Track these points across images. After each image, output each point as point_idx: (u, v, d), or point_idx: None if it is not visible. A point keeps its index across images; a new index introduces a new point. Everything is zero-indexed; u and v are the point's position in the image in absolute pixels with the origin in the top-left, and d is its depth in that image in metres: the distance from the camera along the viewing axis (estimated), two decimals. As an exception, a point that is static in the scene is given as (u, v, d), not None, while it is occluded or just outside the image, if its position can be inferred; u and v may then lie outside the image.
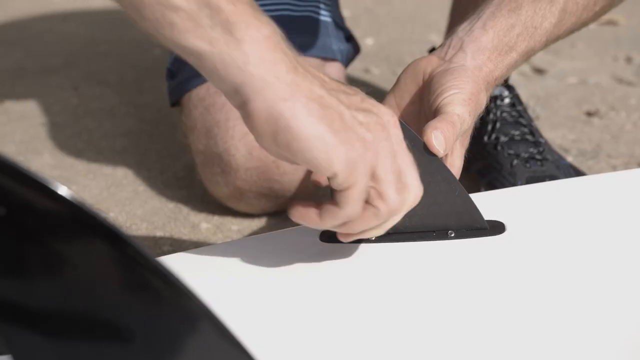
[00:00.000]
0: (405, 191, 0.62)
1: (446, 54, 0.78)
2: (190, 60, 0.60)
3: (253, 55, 0.58)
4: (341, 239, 0.65)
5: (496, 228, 0.71)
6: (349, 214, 0.61)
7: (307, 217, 0.63)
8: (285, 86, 0.58)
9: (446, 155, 0.73)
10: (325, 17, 1.12)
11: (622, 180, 0.82)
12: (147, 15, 0.58)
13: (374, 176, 0.61)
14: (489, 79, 0.77)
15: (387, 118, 0.62)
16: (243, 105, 0.59)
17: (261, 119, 0.59)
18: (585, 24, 0.85)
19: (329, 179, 0.61)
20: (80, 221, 0.42)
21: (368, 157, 0.60)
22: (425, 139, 0.69)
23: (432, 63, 0.77)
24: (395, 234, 0.69)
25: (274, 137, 0.59)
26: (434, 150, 0.69)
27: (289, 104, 0.58)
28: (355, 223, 0.62)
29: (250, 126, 0.60)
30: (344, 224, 0.62)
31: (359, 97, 0.63)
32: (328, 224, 0.63)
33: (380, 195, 0.61)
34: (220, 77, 0.59)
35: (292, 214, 0.63)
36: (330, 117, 0.59)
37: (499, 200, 0.75)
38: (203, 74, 0.61)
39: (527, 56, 0.80)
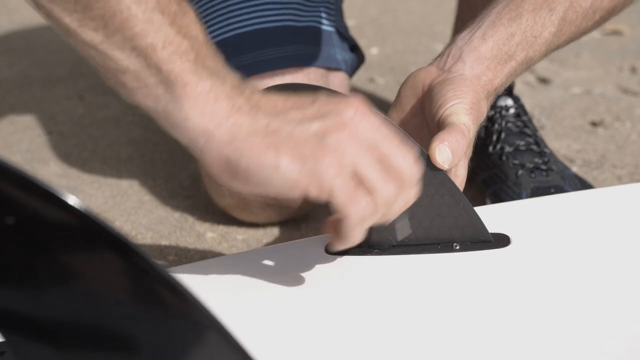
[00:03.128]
0: (395, 175, 0.62)
1: (445, 63, 0.78)
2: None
3: (191, 111, 0.61)
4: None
5: (501, 241, 0.71)
6: (354, 217, 0.61)
7: (337, 243, 0.63)
8: (226, 131, 0.60)
9: (450, 166, 0.73)
10: (328, 27, 1.12)
11: (628, 193, 0.81)
12: (104, 76, 0.63)
13: (356, 174, 0.61)
14: (488, 88, 0.77)
15: (350, 113, 0.62)
16: (201, 159, 0.62)
17: (214, 167, 0.61)
18: (584, 32, 0.85)
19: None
20: (89, 231, 0.42)
21: (329, 161, 0.60)
22: (430, 153, 0.69)
23: (431, 74, 0.77)
24: (400, 247, 0.69)
25: (233, 179, 0.61)
26: (438, 165, 0.69)
27: (232, 146, 0.60)
28: (366, 220, 0.62)
29: (212, 174, 0.62)
30: (360, 223, 0.62)
31: (315, 106, 0.62)
32: (353, 236, 0.62)
33: (370, 190, 0.61)
34: (173, 134, 0.63)
35: (329, 246, 0.66)
36: (276, 143, 0.60)
37: (504, 213, 0.75)
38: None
39: (527, 65, 0.80)
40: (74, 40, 0.62)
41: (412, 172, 0.63)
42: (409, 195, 0.63)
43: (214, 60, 0.63)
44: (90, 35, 0.60)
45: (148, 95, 0.61)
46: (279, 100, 0.62)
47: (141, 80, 0.61)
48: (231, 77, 0.63)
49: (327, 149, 0.60)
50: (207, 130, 0.60)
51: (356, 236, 0.62)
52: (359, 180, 0.61)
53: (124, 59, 0.60)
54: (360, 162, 0.61)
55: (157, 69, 0.60)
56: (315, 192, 0.60)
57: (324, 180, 0.60)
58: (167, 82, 0.60)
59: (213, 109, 0.60)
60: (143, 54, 0.60)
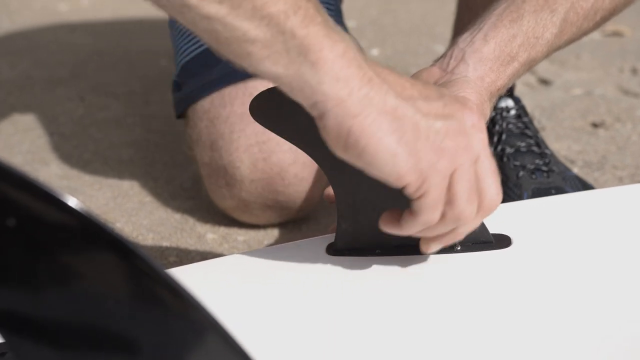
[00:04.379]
0: (480, 198, 0.63)
1: (448, 65, 0.78)
2: (269, 81, 0.62)
3: (326, 75, 0.60)
4: (423, 249, 0.66)
5: (502, 242, 0.71)
6: (424, 221, 0.62)
7: (389, 226, 0.65)
8: (356, 103, 0.60)
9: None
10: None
11: (628, 194, 0.82)
12: (224, 49, 0.61)
13: (449, 183, 0.62)
14: (491, 89, 0.77)
15: (470, 121, 0.63)
16: (318, 119, 0.61)
17: (332, 134, 0.61)
18: (585, 33, 0.85)
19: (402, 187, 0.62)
20: (89, 232, 0.42)
21: (441, 166, 0.61)
22: None
23: (433, 75, 0.77)
24: (401, 247, 0.69)
25: (345, 150, 0.61)
26: None
27: (358, 119, 0.60)
28: (430, 229, 0.64)
29: (325, 138, 0.62)
30: (423, 230, 0.64)
31: (441, 103, 0.63)
32: (408, 231, 0.64)
33: (450, 201, 0.62)
34: (296, 96, 0.61)
35: (380, 223, 0.65)
36: (402, 129, 0.60)
37: (505, 213, 0.75)
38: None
39: (529, 66, 0.80)
40: (191, 15, 0.60)
41: (494, 201, 0.64)
42: (477, 222, 0.65)
43: (335, 23, 0.62)
44: (215, 8, 0.59)
45: (278, 62, 0.60)
46: (406, 82, 0.63)
47: (271, 47, 0.60)
48: (354, 41, 0.62)
49: (443, 153, 0.61)
50: (339, 96, 0.60)
51: (411, 232, 0.64)
52: (448, 186, 0.62)
53: (253, 29, 0.59)
54: (460, 172, 0.62)
55: (291, 35, 0.59)
56: (412, 189, 0.61)
57: (428, 183, 0.61)
58: (302, 47, 0.59)
59: (346, 76, 0.60)
60: (274, 21, 0.59)
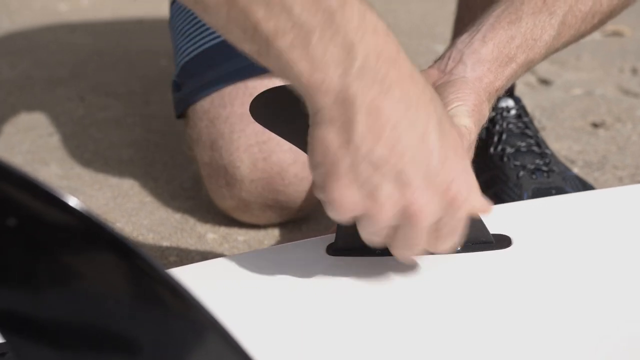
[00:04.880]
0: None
1: (446, 66, 0.78)
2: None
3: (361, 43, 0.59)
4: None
5: (502, 242, 0.71)
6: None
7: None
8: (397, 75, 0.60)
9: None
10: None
11: (629, 194, 0.82)
12: (245, 22, 0.60)
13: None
14: (490, 89, 0.77)
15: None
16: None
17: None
18: (583, 35, 0.85)
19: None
20: (89, 232, 0.42)
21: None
22: None
23: (432, 76, 0.77)
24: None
25: (375, 135, 0.60)
26: None
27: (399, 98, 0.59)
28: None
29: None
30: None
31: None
32: (365, 233, 0.63)
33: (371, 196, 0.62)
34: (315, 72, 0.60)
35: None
36: (429, 121, 0.61)
37: (505, 214, 0.75)
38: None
39: (527, 67, 0.80)
40: None
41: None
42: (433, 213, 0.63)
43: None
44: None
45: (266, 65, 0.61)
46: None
47: (261, 58, 0.60)
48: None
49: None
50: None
51: (367, 237, 0.64)
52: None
53: (245, 40, 0.60)
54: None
55: (277, 54, 0.59)
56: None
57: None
58: (287, 64, 0.59)
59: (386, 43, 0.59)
60: (264, 37, 0.59)
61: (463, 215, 0.63)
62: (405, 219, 0.61)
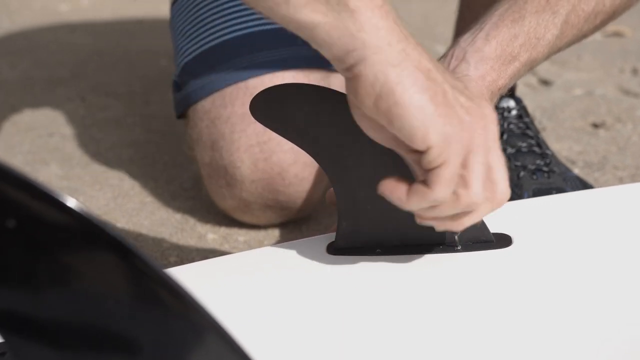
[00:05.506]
0: (492, 188, 0.62)
1: (449, 64, 0.78)
2: (302, 33, 0.62)
3: (366, 22, 0.60)
4: (419, 220, 0.64)
5: (503, 241, 0.71)
6: (438, 196, 0.61)
7: (394, 192, 0.63)
8: (396, 53, 0.60)
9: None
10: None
11: (629, 193, 0.82)
12: None
13: (464, 162, 0.61)
14: (492, 88, 0.77)
15: (488, 111, 0.63)
16: (350, 69, 0.61)
17: (367, 81, 0.60)
18: (585, 36, 0.85)
19: (422, 155, 0.61)
20: (89, 233, 0.42)
21: (464, 137, 0.61)
22: None
23: None
24: (402, 247, 0.69)
25: (376, 102, 0.60)
26: None
27: (397, 70, 0.60)
28: (436, 209, 0.62)
29: (354, 89, 0.61)
30: (429, 207, 0.62)
31: (462, 84, 0.64)
32: (414, 205, 0.62)
33: (465, 183, 0.61)
34: (331, 45, 0.61)
35: (381, 187, 0.63)
36: (433, 90, 0.61)
37: (506, 213, 0.75)
38: (313, 45, 0.63)
39: (529, 67, 0.80)
40: None
41: (505, 194, 0.63)
42: (484, 213, 0.64)
43: None
44: None
45: (317, 9, 0.60)
46: (430, 57, 0.63)
47: None
48: (391, 5, 0.63)
49: (467, 127, 0.61)
50: (378, 45, 0.60)
51: (415, 208, 0.63)
52: (464, 165, 0.61)
53: None
54: (476, 155, 0.61)
55: None
56: (434, 154, 0.60)
57: (450, 150, 0.60)
58: None
59: (386, 26, 0.60)
60: None
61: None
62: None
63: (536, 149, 1.11)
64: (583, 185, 1.11)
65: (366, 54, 0.60)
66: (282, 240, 1.08)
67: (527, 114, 1.16)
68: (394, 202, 0.63)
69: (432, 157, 0.61)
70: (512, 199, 1.05)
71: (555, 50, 0.82)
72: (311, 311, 0.65)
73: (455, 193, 0.61)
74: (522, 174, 1.08)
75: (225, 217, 1.11)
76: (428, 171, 0.61)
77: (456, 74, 0.76)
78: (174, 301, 0.43)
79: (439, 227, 0.64)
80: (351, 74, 0.61)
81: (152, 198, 1.18)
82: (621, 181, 1.20)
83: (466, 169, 0.61)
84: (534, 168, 1.08)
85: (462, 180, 0.61)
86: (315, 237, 0.73)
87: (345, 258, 0.70)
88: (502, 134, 1.12)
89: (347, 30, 0.60)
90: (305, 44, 1.13)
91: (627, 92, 1.50)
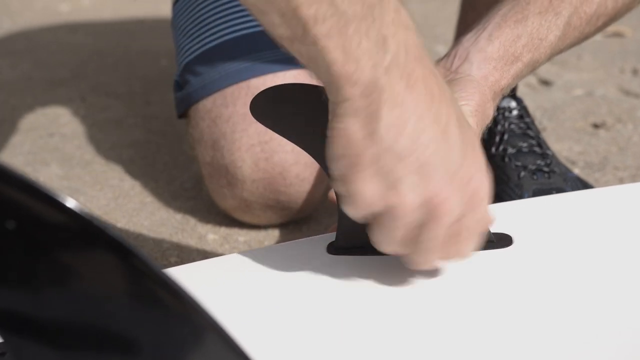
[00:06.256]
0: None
1: (452, 64, 0.78)
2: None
3: (346, 77, 0.59)
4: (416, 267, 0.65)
5: (503, 241, 0.71)
6: (351, 215, 0.63)
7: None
8: (361, 113, 0.59)
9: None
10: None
11: (630, 192, 0.81)
12: (262, 21, 0.60)
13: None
14: (495, 88, 0.77)
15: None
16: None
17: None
18: (587, 37, 0.85)
19: None
20: (88, 233, 0.42)
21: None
22: None
23: None
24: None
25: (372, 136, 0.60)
26: None
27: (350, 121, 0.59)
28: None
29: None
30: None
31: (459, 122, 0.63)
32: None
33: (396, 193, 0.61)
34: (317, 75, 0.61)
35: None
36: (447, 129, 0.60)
37: (506, 212, 0.75)
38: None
39: (532, 67, 0.80)
40: None
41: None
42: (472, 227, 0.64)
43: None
44: None
45: (300, 56, 0.60)
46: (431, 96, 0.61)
47: (293, 47, 0.60)
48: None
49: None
50: (348, 99, 0.59)
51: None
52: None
53: (281, 25, 0.58)
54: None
55: (313, 41, 0.58)
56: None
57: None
58: (321, 53, 0.58)
59: (368, 82, 0.58)
60: (302, 23, 0.57)
61: (483, 215, 0.63)
62: (427, 213, 0.60)
63: (537, 149, 1.11)
64: (583, 185, 1.11)
65: (337, 100, 0.59)
66: (282, 241, 1.08)
67: (528, 114, 1.16)
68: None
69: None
70: (512, 199, 1.05)
71: (557, 51, 0.82)
72: (311, 311, 0.65)
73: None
74: (522, 174, 1.08)
75: (226, 217, 1.11)
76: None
77: (458, 74, 0.76)
78: (173, 301, 0.43)
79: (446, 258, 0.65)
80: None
81: (152, 198, 1.18)
82: (622, 181, 1.20)
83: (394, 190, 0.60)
84: (535, 168, 1.08)
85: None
86: (316, 236, 0.73)
87: (346, 258, 0.69)
88: (502, 134, 1.12)
89: (319, 75, 0.60)
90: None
91: (627, 93, 1.50)
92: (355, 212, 0.61)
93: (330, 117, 0.60)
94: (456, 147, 0.60)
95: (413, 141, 0.59)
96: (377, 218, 0.61)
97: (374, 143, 0.59)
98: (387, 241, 0.63)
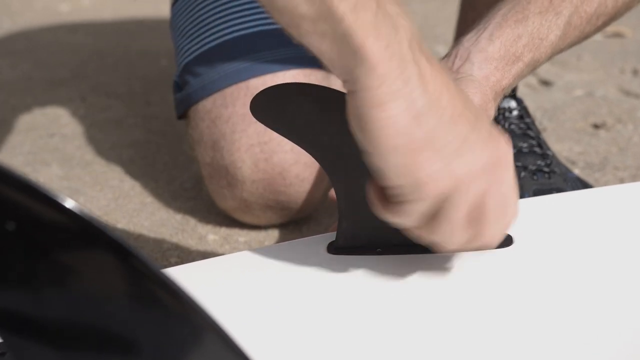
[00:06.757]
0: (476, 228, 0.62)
1: (453, 64, 0.78)
2: (314, 52, 0.61)
3: (364, 62, 0.57)
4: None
5: (503, 240, 0.71)
6: (401, 224, 0.63)
7: (372, 202, 0.63)
8: (383, 94, 0.58)
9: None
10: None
11: (630, 192, 0.81)
12: (278, 16, 0.59)
13: (446, 202, 0.62)
14: (496, 88, 0.77)
15: (502, 146, 0.63)
16: (347, 94, 0.60)
17: (352, 114, 0.59)
18: (587, 37, 0.86)
19: None
20: (87, 233, 0.42)
21: (442, 185, 0.61)
22: None
23: None
24: (402, 246, 0.69)
25: (359, 132, 0.60)
26: None
27: (377, 110, 0.58)
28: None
29: (347, 113, 0.60)
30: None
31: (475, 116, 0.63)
32: (388, 219, 0.63)
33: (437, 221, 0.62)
34: (334, 71, 0.60)
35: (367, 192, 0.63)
36: (413, 135, 0.59)
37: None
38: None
39: (532, 67, 0.80)
40: None
41: (493, 237, 0.63)
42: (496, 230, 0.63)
43: (393, 9, 0.60)
44: None
45: (323, 39, 0.58)
46: (452, 97, 0.61)
47: (319, 26, 0.58)
48: (409, 33, 0.60)
49: (447, 173, 0.60)
50: (367, 84, 0.57)
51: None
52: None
53: (303, 4, 0.57)
54: (461, 196, 0.60)
55: (340, 19, 0.57)
56: (397, 193, 0.60)
57: (419, 191, 0.59)
58: (348, 32, 0.57)
59: (384, 69, 0.57)
60: (327, 2, 0.57)
61: (511, 180, 0.62)
62: (488, 177, 0.60)
63: (537, 149, 1.11)
64: (583, 185, 1.11)
65: (355, 88, 0.58)
66: (282, 241, 1.08)
67: (528, 115, 1.16)
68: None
69: (396, 194, 0.60)
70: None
71: (557, 51, 0.82)
72: (311, 311, 0.65)
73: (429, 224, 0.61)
74: (522, 174, 1.08)
75: (226, 217, 1.11)
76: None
77: (460, 74, 0.76)
78: (173, 302, 0.43)
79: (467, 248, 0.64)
80: (347, 98, 0.60)
81: (152, 199, 1.18)
82: (622, 182, 1.20)
83: (444, 211, 0.60)
84: (535, 169, 1.08)
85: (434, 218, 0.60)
86: (316, 236, 0.73)
87: (346, 258, 0.69)
88: (502, 134, 1.12)
89: (346, 65, 0.58)
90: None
91: (627, 93, 1.50)
92: (423, 197, 0.59)
93: (361, 113, 0.58)
94: (478, 110, 0.62)
95: (454, 109, 0.59)
96: (438, 209, 0.60)
97: (421, 123, 0.58)
98: (451, 228, 0.61)
